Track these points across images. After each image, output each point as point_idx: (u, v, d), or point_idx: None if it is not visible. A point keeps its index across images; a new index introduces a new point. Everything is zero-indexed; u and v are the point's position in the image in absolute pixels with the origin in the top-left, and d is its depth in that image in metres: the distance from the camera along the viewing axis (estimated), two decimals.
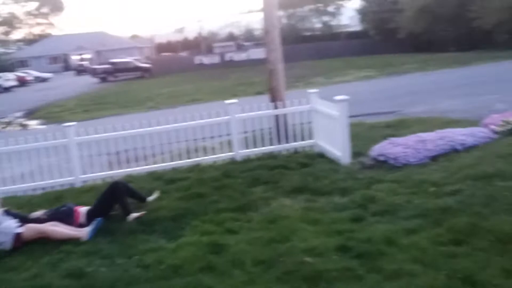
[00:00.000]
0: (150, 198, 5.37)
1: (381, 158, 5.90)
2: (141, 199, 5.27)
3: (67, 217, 4.74)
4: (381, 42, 37.56)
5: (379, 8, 37.99)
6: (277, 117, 7.32)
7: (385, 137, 6.79)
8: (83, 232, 4.50)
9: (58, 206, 5.04)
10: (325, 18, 47.91)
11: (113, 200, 4.91)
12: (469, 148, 5.92)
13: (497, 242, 3.38)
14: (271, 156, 6.98)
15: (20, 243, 4.37)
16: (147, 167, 6.86)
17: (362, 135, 7.67)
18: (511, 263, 3.07)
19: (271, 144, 7.23)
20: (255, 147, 7.15)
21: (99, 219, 4.66)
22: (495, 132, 6.39)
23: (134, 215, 4.79)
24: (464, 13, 29.84)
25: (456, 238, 3.54)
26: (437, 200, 4.36)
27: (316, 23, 48.77)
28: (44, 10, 78.05)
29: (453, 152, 5.84)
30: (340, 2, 47.13)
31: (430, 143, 5.94)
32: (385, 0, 38.35)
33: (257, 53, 37.09)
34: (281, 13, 43.59)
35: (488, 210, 3.93)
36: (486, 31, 28.74)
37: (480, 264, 3.12)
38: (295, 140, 7.22)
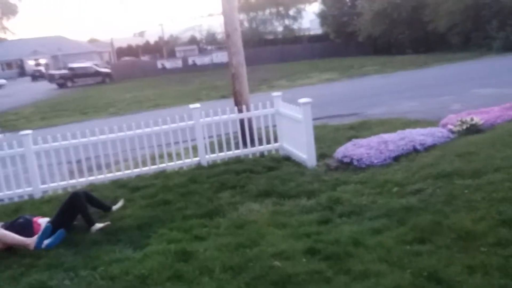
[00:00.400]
0: (115, 207, 5.24)
1: (346, 160, 6.00)
2: (105, 208, 5.13)
3: (25, 229, 4.53)
4: (342, 45, 38.38)
5: (338, 12, 38.81)
6: (242, 121, 7.31)
7: (348, 139, 6.91)
8: (31, 240, 4.34)
9: (14, 218, 4.82)
10: (287, 22, 48.42)
11: (73, 211, 4.74)
12: (428, 148, 6.10)
13: (459, 239, 3.48)
14: (237, 160, 6.96)
15: None
16: (110, 175, 6.70)
17: (327, 137, 7.79)
18: (473, 260, 3.16)
19: (237, 149, 7.22)
20: (221, 151, 7.12)
21: (48, 225, 4.47)
22: (453, 132, 6.62)
23: (98, 225, 4.65)
24: (419, 16, 30.95)
25: (420, 237, 3.62)
26: (401, 200, 4.46)
27: (278, 27, 49.21)
28: None
29: (413, 152, 6.00)
30: (301, 6, 47.75)
31: (392, 144, 6.09)
32: (343, 4, 39.19)
33: (220, 57, 37.16)
34: (242, 16, 43.74)
35: (449, 208, 4.06)
36: (440, 34, 29.90)
37: (444, 261, 3.21)
38: (260, 144, 7.24)
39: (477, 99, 10.14)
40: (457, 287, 2.91)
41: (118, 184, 6.40)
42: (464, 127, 6.53)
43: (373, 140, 6.36)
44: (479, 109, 7.62)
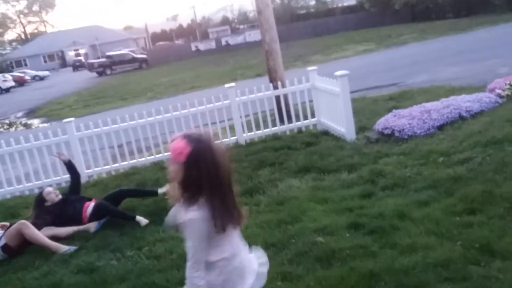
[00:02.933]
0: (161, 190, 5.04)
1: (387, 132, 5.80)
2: (152, 194, 5.03)
3: (75, 216, 4.69)
4: (377, 14, 37.05)
5: None
6: (277, 97, 7.21)
7: (389, 110, 6.68)
8: (90, 225, 4.50)
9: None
10: None
11: (104, 215, 4.72)
12: (475, 115, 5.81)
13: None
14: (275, 137, 6.90)
15: (15, 251, 4.23)
16: (151, 158, 6.80)
17: (366, 109, 7.57)
18: None
19: (274, 126, 7.15)
20: (258, 129, 7.07)
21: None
22: (501, 97, 6.27)
23: (141, 219, 4.50)
24: None
25: (470, 207, 3.46)
26: (447, 170, 4.27)
27: (310, 0, 48.11)
28: (35, 8, 77.56)
29: (459, 120, 5.73)
30: None
31: (435, 113, 5.83)
32: None
33: (253, 35, 36.85)
34: None
35: (500, 176, 3.85)
36: None
37: (497, 232, 3.05)
38: (298, 120, 7.14)
39: None
40: None
41: (159, 166, 6.48)
42: None
43: (415, 109, 6.11)
44: None
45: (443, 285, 2.66)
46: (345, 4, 47.23)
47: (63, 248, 4.12)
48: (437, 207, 3.59)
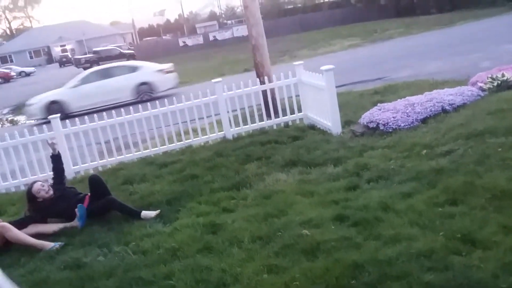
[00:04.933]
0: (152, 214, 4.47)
1: (372, 125, 5.87)
2: (135, 215, 4.49)
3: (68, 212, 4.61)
4: (363, 10, 37.28)
5: None
6: (264, 92, 7.24)
7: (374, 104, 6.75)
8: (73, 223, 4.47)
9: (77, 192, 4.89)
10: None
11: (109, 210, 4.66)
12: (458, 108, 5.90)
13: (493, 199, 3.36)
14: (262, 132, 6.93)
15: None
16: (139, 153, 6.79)
17: (351, 103, 7.64)
18: (509, 219, 3.05)
19: (261, 120, 7.17)
20: (245, 124, 7.09)
21: (84, 209, 4.55)
22: (483, 90, 6.37)
23: (148, 213, 4.40)
24: None
25: (452, 198, 3.52)
26: (430, 162, 4.34)
27: None
28: (21, 3, 76.39)
29: (442, 113, 5.82)
30: None
31: (419, 106, 5.91)
32: None
33: (241, 31, 36.88)
34: None
35: (482, 167, 3.92)
36: None
37: (478, 222, 3.11)
38: (284, 114, 7.17)
39: (508, 55, 9.67)
40: (493, 247, 2.82)
41: (146, 161, 6.48)
42: (495, 84, 6.26)
43: (399, 103, 6.18)
44: (510, 65, 7.26)
45: (425, 274, 2.70)
46: None
47: (49, 245, 4.10)
48: (420, 199, 3.65)
